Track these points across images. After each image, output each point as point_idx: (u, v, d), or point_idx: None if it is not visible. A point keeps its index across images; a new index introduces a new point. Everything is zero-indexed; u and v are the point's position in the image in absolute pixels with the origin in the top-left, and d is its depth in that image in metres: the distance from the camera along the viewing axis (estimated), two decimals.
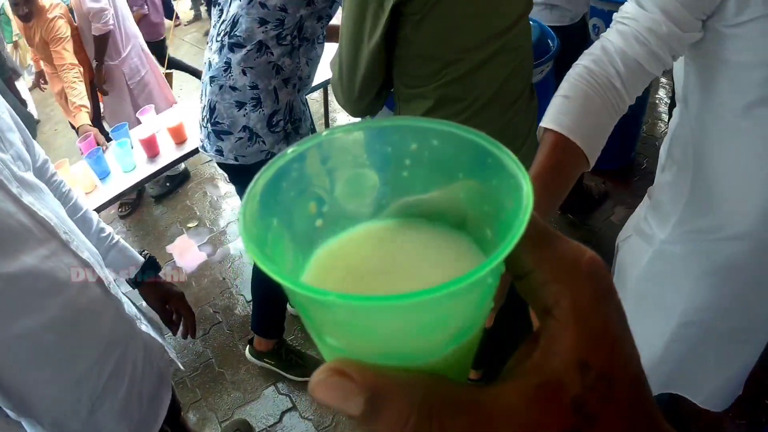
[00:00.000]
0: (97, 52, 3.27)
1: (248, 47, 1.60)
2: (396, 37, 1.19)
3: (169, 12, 8.09)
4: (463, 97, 1.26)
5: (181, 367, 1.34)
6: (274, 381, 2.36)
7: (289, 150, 0.26)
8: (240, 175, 1.83)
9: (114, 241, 1.30)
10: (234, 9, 1.61)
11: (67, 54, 3.11)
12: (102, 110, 3.75)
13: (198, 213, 3.52)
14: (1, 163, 0.83)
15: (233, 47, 1.62)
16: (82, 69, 3.16)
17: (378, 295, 0.18)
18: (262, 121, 1.68)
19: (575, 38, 2.25)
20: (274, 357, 2.32)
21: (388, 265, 0.26)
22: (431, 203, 0.28)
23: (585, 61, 0.91)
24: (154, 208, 3.65)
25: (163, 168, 2.47)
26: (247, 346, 2.37)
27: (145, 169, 2.44)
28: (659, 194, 1.15)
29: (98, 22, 3.15)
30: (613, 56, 0.89)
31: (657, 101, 3.61)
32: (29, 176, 0.91)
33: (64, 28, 3.11)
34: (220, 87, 1.67)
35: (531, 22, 2.20)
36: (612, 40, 0.91)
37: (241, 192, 1.99)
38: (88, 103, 3.05)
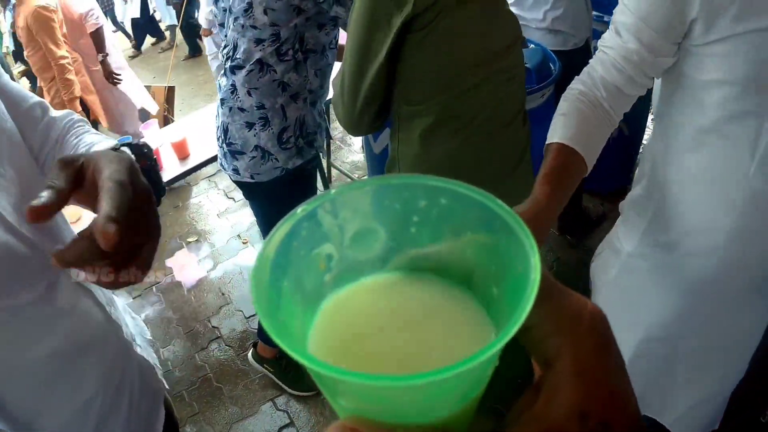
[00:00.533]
0: (97, 45, 3.60)
1: (248, 67, 1.62)
2: (399, 54, 1.22)
3: (156, 32, 8.25)
4: (461, 116, 1.29)
5: (167, 386, 1.31)
6: (272, 397, 2.36)
7: (299, 209, 0.26)
8: (256, 192, 1.84)
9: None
10: (232, 33, 1.64)
11: (54, 47, 3.35)
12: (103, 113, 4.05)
13: (198, 228, 3.52)
14: None
15: (234, 69, 1.66)
16: (71, 59, 3.48)
17: (391, 375, 0.19)
18: (272, 139, 1.69)
19: (578, 62, 2.25)
20: (275, 365, 2.35)
21: (395, 325, 0.26)
22: (437, 257, 0.28)
23: (576, 84, 1.01)
24: None
25: (165, 183, 2.49)
26: (251, 349, 2.40)
27: None
28: (629, 208, 1.18)
29: (90, 21, 3.53)
30: (597, 82, 0.98)
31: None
32: (25, 199, 0.86)
33: (52, 18, 3.33)
34: (230, 109, 1.70)
35: (534, 46, 2.24)
36: (595, 67, 1.00)
37: (255, 208, 2.00)
38: (79, 94, 3.47)
